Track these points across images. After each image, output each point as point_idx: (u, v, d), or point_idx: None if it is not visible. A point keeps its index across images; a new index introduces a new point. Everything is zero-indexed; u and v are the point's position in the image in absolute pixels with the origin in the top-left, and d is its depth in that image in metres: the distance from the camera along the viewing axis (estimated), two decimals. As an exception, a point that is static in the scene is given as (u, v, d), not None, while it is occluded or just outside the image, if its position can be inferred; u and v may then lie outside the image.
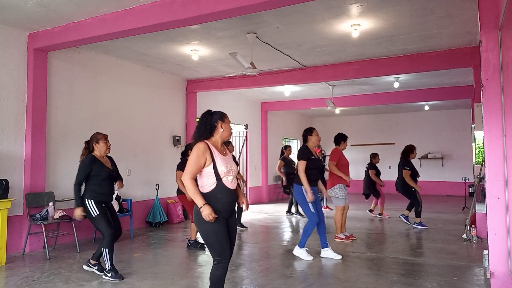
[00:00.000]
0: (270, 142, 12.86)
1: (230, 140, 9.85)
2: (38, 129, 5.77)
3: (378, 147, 14.24)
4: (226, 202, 2.95)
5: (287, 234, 7.08)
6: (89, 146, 4.41)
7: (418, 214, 7.29)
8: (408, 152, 7.53)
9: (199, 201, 2.85)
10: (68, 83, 6.44)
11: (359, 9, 5.11)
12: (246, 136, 11.77)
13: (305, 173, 4.94)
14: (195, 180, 2.96)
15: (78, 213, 4.19)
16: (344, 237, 6.16)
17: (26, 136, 5.70)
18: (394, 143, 14.41)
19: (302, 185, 4.94)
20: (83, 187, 4.30)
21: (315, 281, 4.20)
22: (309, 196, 4.89)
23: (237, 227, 7.45)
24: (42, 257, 5.30)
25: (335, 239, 6.17)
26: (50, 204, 5.63)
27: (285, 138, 14.22)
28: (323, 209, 9.94)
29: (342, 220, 6.26)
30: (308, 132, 5.25)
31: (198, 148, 2.93)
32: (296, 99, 11.94)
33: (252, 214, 9.52)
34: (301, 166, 4.97)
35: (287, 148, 8.98)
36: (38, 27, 5.58)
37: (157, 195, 7.90)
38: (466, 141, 13.07)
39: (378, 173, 8.77)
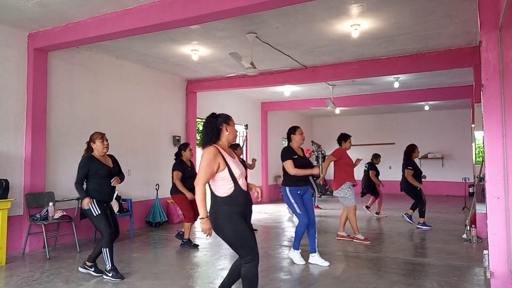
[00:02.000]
0: (270, 142, 12.87)
1: (238, 143, 9.91)
2: (38, 129, 5.77)
3: (378, 147, 14.23)
4: (244, 203, 2.99)
5: (287, 234, 7.08)
6: (89, 146, 4.45)
7: (422, 214, 7.27)
8: (411, 151, 7.51)
9: (202, 212, 2.86)
10: (68, 83, 6.44)
11: (359, 9, 5.11)
12: (246, 136, 11.77)
13: (288, 175, 4.83)
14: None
15: (86, 201, 4.20)
16: (363, 238, 6.05)
17: (26, 136, 5.70)
18: (394, 143, 14.41)
19: (286, 186, 4.84)
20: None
21: (315, 281, 4.20)
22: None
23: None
24: (42, 257, 5.30)
25: (354, 240, 6.10)
26: (50, 204, 5.63)
27: (285, 138, 14.21)
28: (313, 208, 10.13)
29: (342, 220, 6.25)
30: (292, 131, 5.02)
31: (210, 153, 2.90)
32: (296, 99, 11.94)
33: (253, 214, 9.49)
34: (289, 164, 4.76)
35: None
36: (38, 27, 5.58)
37: (157, 195, 7.90)
38: (466, 141, 13.07)
39: (377, 174, 8.81)
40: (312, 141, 13.48)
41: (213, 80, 8.97)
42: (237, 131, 3.17)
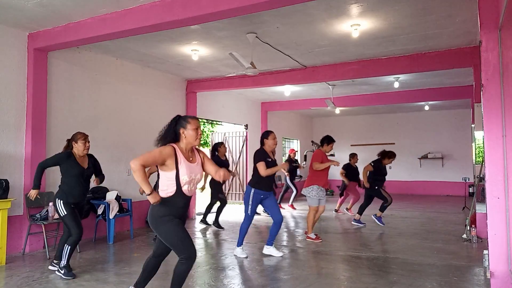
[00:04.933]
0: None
1: (223, 141, 9.95)
2: (38, 129, 5.77)
3: (378, 147, 14.22)
4: (181, 207, 3.05)
5: (284, 234, 7.07)
6: (69, 144, 4.51)
7: (361, 211, 7.66)
8: (384, 156, 7.58)
9: (146, 188, 2.87)
10: (68, 83, 6.44)
11: (359, 9, 5.11)
12: (246, 136, 11.77)
13: (257, 177, 5.09)
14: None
15: (32, 194, 4.36)
16: (314, 236, 6.22)
17: (26, 136, 5.70)
18: (394, 143, 14.41)
19: (253, 187, 5.09)
20: (56, 183, 4.39)
21: (315, 281, 4.20)
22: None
23: (215, 227, 7.49)
24: (42, 257, 5.30)
25: (306, 239, 6.27)
26: (50, 204, 5.62)
27: (285, 138, 14.21)
28: (288, 206, 10.29)
29: (314, 220, 6.27)
30: (265, 136, 5.28)
31: (164, 149, 2.94)
32: (296, 99, 11.94)
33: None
34: (262, 166, 5.03)
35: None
36: (38, 27, 5.58)
37: (157, 195, 7.89)
38: (466, 141, 13.07)
39: (356, 174, 8.99)
40: (312, 141, 13.46)
41: (213, 80, 8.97)
42: (200, 134, 3.11)
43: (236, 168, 11.86)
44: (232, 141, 12.05)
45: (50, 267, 4.60)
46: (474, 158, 9.48)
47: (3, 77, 5.49)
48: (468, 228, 6.12)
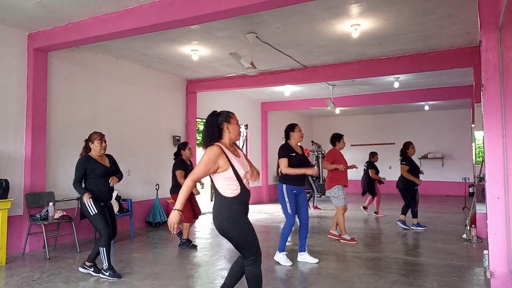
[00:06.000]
0: (270, 142, 12.86)
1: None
2: (38, 129, 5.77)
3: (378, 147, 14.24)
4: (247, 202, 2.97)
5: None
6: (87, 145, 4.47)
7: (415, 215, 7.24)
8: (404, 148, 7.46)
9: (178, 205, 2.77)
10: (68, 83, 6.44)
11: (359, 9, 5.11)
12: (246, 136, 11.78)
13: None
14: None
15: (87, 196, 4.23)
16: (349, 238, 6.07)
17: (26, 136, 5.69)
18: (394, 143, 14.41)
19: (284, 183, 4.78)
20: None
21: (315, 281, 4.20)
22: (309, 171, 4.75)
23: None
24: (42, 257, 5.30)
25: (340, 241, 6.12)
26: (50, 204, 5.62)
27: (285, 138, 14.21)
28: (312, 209, 10.10)
29: (341, 220, 6.25)
30: (290, 129, 4.96)
31: (212, 151, 2.80)
32: (296, 99, 11.94)
33: (252, 214, 9.52)
34: (283, 163, 4.75)
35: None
36: (38, 27, 5.58)
37: (157, 195, 7.90)
38: (466, 141, 13.07)
39: (377, 172, 8.88)
40: (312, 141, 13.47)
41: (213, 80, 8.97)
42: (240, 129, 3.09)
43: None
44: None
45: (80, 269, 4.51)
46: (474, 158, 9.47)
47: (3, 77, 5.49)
48: (468, 228, 6.11)
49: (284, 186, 4.78)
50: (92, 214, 4.26)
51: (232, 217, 2.84)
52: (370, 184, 8.82)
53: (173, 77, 8.79)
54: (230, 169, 2.83)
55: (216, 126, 2.92)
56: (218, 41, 6.37)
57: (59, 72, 6.30)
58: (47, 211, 5.59)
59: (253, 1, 4.17)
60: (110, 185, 4.43)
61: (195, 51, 6.79)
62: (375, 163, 8.94)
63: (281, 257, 4.85)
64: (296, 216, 4.88)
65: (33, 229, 5.58)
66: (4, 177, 5.20)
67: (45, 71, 5.92)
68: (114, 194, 6.56)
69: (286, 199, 4.77)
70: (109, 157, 4.62)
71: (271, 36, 6.13)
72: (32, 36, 5.76)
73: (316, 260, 4.88)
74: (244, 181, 2.90)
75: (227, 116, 2.98)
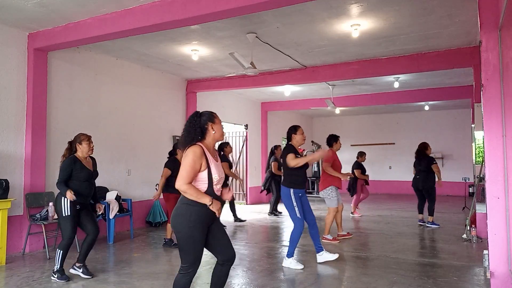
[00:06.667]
0: (270, 142, 12.85)
1: (228, 141, 9.94)
2: (38, 129, 5.77)
3: (378, 147, 14.25)
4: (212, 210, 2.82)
5: (287, 234, 7.07)
6: (72, 146, 4.40)
7: (431, 213, 7.42)
8: (423, 149, 7.55)
9: (206, 200, 2.70)
10: (68, 83, 6.44)
11: (359, 9, 5.11)
12: (246, 136, 11.77)
13: (291, 176, 4.70)
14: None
15: (69, 194, 4.11)
16: (331, 238, 6.12)
17: (26, 136, 5.70)
18: (394, 143, 14.40)
19: (290, 187, 4.66)
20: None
21: (315, 281, 4.20)
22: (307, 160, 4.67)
23: (235, 222, 7.89)
24: (42, 257, 5.30)
25: (322, 240, 6.10)
26: (50, 204, 5.62)
27: (285, 138, 14.22)
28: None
29: (338, 220, 6.27)
30: (293, 131, 4.88)
31: (195, 153, 2.72)
32: (296, 99, 11.94)
33: (252, 214, 9.53)
34: (291, 157, 4.65)
35: (277, 148, 8.96)
36: (38, 27, 5.58)
37: (157, 195, 7.90)
38: (466, 141, 13.07)
39: (363, 172, 8.92)
40: (312, 141, 13.45)
41: (213, 80, 8.97)
42: (223, 128, 2.97)
43: (236, 168, 11.86)
44: (232, 141, 12.04)
45: (72, 271, 4.44)
46: (474, 158, 9.48)
47: (3, 77, 5.49)
48: (468, 228, 6.12)
49: (292, 190, 4.65)
50: (64, 215, 4.16)
51: (188, 217, 2.71)
52: (354, 183, 8.92)
53: (173, 77, 8.79)
54: (206, 171, 2.76)
55: (198, 126, 2.83)
56: (218, 41, 6.37)
57: (59, 72, 6.30)
58: (47, 211, 5.59)
59: (253, 1, 4.17)
60: (98, 212, 4.47)
61: (195, 51, 6.79)
62: (363, 162, 9.00)
63: (290, 262, 4.71)
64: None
65: (33, 229, 5.58)
66: (4, 177, 5.20)
67: (45, 71, 5.92)
68: (114, 194, 6.58)
69: (294, 203, 4.63)
70: (93, 160, 4.56)
71: (271, 36, 6.13)
72: (32, 36, 5.76)
73: (336, 256, 4.93)
74: (216, 187, 2.80)
75: (211, 116, 2.89)
